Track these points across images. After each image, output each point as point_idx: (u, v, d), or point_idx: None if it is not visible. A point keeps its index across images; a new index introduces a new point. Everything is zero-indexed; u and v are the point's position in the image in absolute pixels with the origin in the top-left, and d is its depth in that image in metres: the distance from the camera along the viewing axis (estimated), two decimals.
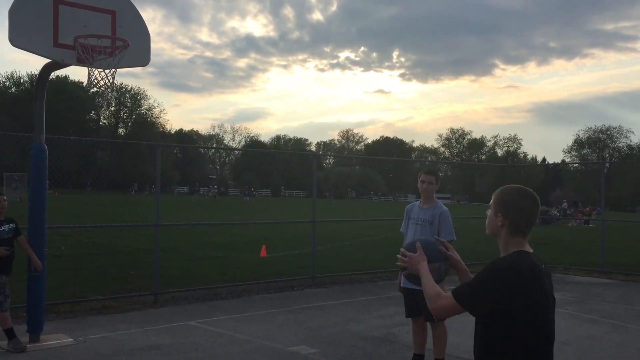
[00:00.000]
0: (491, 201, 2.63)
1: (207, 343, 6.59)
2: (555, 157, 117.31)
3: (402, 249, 2.76)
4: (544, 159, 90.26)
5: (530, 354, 2.39)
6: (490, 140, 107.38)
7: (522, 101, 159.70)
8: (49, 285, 9.05)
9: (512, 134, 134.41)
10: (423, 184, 5.63)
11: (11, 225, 6.39)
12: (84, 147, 65.24)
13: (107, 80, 5.91)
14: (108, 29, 6.21)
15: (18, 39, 5.69)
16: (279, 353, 6.25)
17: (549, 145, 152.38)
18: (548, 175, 74.98)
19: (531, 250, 2.53)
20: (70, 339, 6.66)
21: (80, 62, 5.95)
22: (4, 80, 79.09)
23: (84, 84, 5.94)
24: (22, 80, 79.38)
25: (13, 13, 5.68)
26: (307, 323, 7.69)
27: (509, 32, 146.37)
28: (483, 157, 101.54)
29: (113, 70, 6.01)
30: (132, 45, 6.21)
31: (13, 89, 79.45)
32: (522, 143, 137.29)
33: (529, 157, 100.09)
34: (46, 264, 6.77)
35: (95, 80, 5.86)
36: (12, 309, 7.41)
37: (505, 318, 2.37)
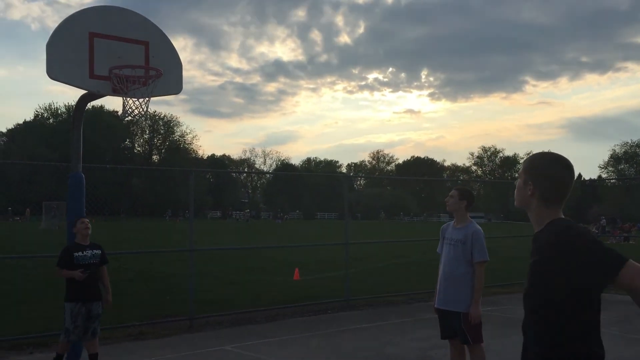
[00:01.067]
0: (520, 170, 2.47)
1: None
2: (591, 173, 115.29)
3: None
4: (579, 176, 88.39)
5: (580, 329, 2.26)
6: (523, 158, 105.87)
7: (554, 117, 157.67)
8: None
9: (546, 151, 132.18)
10: (447, 198, 5.58)
11: (96, 251, 6.35)
12: (119, 174, 66.65)
13: (141, 109, 6.05)
14: (142, 59, 6.38)
15: (56, 72, 5.88)
16: None
17: (584, 162, 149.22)
18: (584, 192, 73.38)
19: (560, 216, 2.36)
20: None
21: (115, 93, 6.11)
22: (42, 111, 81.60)
23: (119, 113, 6.09)
24: (59, 111, 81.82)
25: (51, 47, 5.88)
26: (341, 346, 7.62)
27: (539, 48, 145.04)
28: (516, 175, 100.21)
29: (147, 99, 6.15)
30: (164, 74, 6.35)
31: (51, 120, 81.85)
32: None
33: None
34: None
35: (130, 110, 6.00)
36: (50, 336, 7.55)
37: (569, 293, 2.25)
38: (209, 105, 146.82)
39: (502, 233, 24.71)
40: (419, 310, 10.33)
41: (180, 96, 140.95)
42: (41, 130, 75.26)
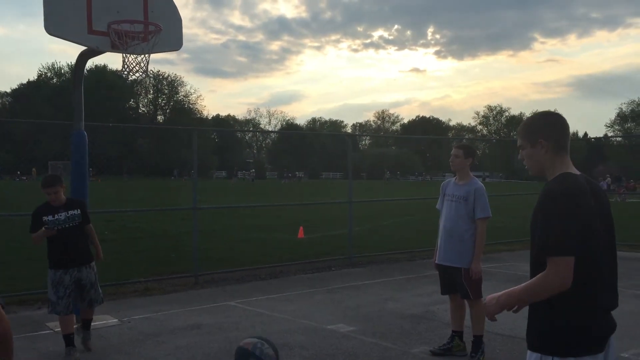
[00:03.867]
0: (520, 140, 2.50)
1: (246, 322, 6.70)
2: (597, 132, 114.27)
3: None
4: (585, 134, 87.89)
5: (579, 279, 2.23)
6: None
7: (562, 75, 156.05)
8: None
9: (552, 109, 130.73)
10: (451, 157, 5.56)
11: (73, 212, 5.61)
12: (126, 135, 66.61)
13: (141, 66, 5.99)
14: (141, 14, 6.28)
15: (53, 27, 5.80)
16: (318, 331, 6.31)
17: (591, 120, 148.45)
18: (590, 150, 73.10)
19: (578, 172, 2.40)
20: (115, 320, 6.85)
21: (114, 49, 6.04)
22: (45, 71, 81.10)
23: (120, 70, 6.03)
24: (62, 71, 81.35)
25: (47, 2, 5.79)
26: (344, 302, 7.73)
27: (548, 4, 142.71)
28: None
29: (147, 55, 6.08)
30: (164, 29, 6.27)
31: (54, 80, 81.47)
32: None
33: (571, 132, 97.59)
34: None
35: (130, 66, 5.94)
36: None
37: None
38: (213, 64, 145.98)
39: (506, 191, 24.70)
40: (422, 267, 10.42)
41: (183, 55, 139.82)
42: (45, 90, 74.98)
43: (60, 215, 5.54)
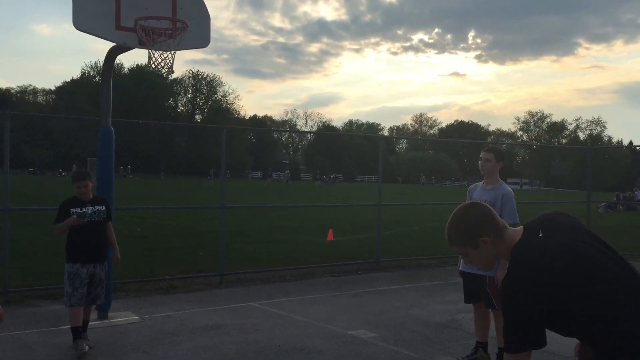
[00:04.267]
0: (459, 249, 2.34)
1: (266, 324, 6.60)
2: None
3: None
4: (630, 143, 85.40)
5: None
6: (571, 124, 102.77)
7: (607, 82, 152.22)
8: (122, 265, 9.40)
9: (596, 117, 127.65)
10: (481, 161, 5.36)
11: (99, 207, 5.74)
12: (163, 134, 67.59)
13: (167, 62, 5.97)
14: (169, 11, 6.26)
15: (82, 23, 5.83)
16: (337, 336, 6.16)
17: (637, 128, 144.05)
18: (635, 159, 70.97)
19: (520, 234, 2.24)
20: (137, 317, 6.84)
21: (141, 45, 6.03)
22: (88, 69, 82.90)
23: (146, 65, 6.01)
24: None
25: None
26: (368, 307, 7.57)
27: (594, 9, 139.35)
28: (564, 141, 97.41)
29: (173, 52, 6.05)
30: (192, 26, 6.23)
31: (97, 78, 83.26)
32: (607, 126, 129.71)
33: (614, 140, 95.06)
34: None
35: (156, 62, 5.92)
36: None
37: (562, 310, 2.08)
38: (252, 65, 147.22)
39: (544, 199, 24.13)
40: (451, 274, 10.16)
41: (223, 56, 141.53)
42: (88, 88, 76.68)
43: (87, 209, 5.67)
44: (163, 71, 5.92)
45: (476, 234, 2.26)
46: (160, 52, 6.00)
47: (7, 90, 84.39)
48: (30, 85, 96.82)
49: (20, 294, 7.72)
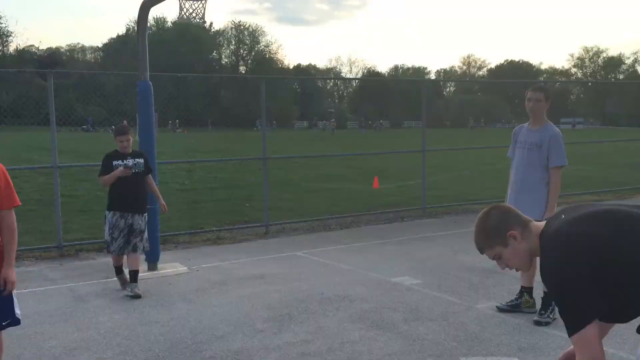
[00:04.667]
0: (489, 251, 2.29)
1: (310, 272, 6.66)
2: None
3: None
4: None
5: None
6: (629, 57, 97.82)
7: None
8: (170, 217, 9.63)
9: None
10: (530, 102, 5.10)
11: (138, 160, 6.02)
12: (209, 87, 67.99)
13: (198, 12, 5.87)
14: None
15: None
16: (381, 283, 6.16)
17: None
18: None
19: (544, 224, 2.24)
20: (185, 268, 7.01)
21: None
22: (132, 25, 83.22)
23: (177, 17, 5.93)
24: (149, 25, 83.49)
25: None
26: (413, 254, 7.53)
27: None
28: (621, 77, 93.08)
29: (204, 1, 5.94)
30: None
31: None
32: None
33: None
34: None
35: (187, 13, 5.83)
36: None
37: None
38: (294, 12, 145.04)
39: (602, 138, 23.24)
40: None
41: (265, 4, 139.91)
42: (133, 43, 77.37)
43: (129, 162, 5.96)
44: (195, 21, 5.82)
45: (503, 231, 2.25)
46: (192, 1, 5.90)
47: (57, 49, 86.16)
48: (79, 43, 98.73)
49: (74, 248, 8.02)
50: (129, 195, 5.90)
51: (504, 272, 6.45)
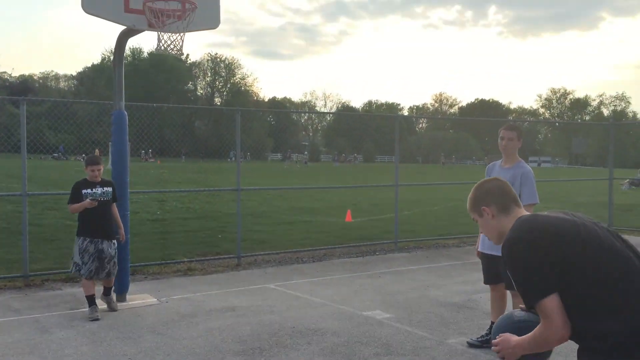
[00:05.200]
0: (469, 209, 2.54)
1: (282, 305, 6.61)
2: None
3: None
4: None
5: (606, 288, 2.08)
6: (595, 100, 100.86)
7: (632, 56, 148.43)
8: (141, 248, 9.52)
9: (620, 92, 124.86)
10: (502, 140, 5.22)
11: (107, 189, 6.29)
12: (184, 117, 67.85)
13: (176, 45, 5.92)
14: None
15: (91, 6, 5.80)
16: (353, 317, 6.15)
17: None
18: None
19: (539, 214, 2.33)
20: (154, 299, 6.90)
21: (151, 27, 5.99)
22: (108, 54, 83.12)
23: (155, 48, 5.99)
24: (125, 55, 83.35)
25: None
26: (385, 288, 7.54)
27: None
28: (587, 118, 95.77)
29: (182, 34, 6.01)
30: (201, 7, 6.17)
31: None
32: (631, 101, 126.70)
33: (639, 116, 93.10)
34: (129, 228, 6.99)
35: (165, 45, 5.88)
36: None
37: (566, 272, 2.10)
38: (270, 47, 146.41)
39: (568, 177, 23.76)
40: (469, 254, 10.08)
41: (241, 38, 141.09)
42: (108, 72, 77.15)
43: (97, 190, 6.24)
44: (172, 53, 5.88)
45: (479, 204, 2.48)
46: (170, 34, 5.96)
47: (30, 76, 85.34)
48: (53, 71, 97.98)
49: (40, 278, 7.84)
50: (97, 222, 6.16)
51: (474, 307, 6.52)
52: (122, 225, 6.49)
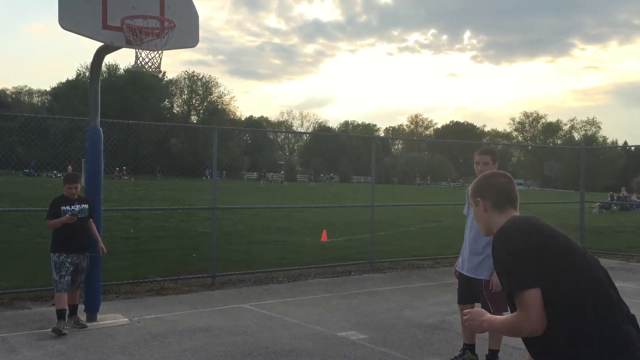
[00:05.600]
0: (470, 199, 2.61)
1: (256, 326, 6.55)
2: (638, 140, 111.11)
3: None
4: (625, 143, 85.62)
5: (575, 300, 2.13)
6: (566, 124, 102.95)
7: (602, 82, 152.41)
8: (113, 266, 9.35)
9: (591, 117, 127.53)
10: (478, 165, 5.27)
11: (84, 205, 6.47)
12: (158, 134, 67.40)
13: (154, 62, 5.91)
14: (157, 10, 6.21)
15: (68, 21, 5.77)
16: (327, 338, 6.11)
17: (632, 129, 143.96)
18: (629, 159, 71.15)
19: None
20: (126, 319, 6.78)
21: (129, 44, 5.97)
22: (84, 70, 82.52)
23: (132, 65, 5.96)
24: (102, 71, 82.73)
25: None
26: (360, 308, 7.52)
27: (589, 10, 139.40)
28: (559, 142, 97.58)
29: (161, 52, 6.00)
30: (180, 26, 6.18)
31: None
32: (602, 126, 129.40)
33: (609, 140, 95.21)
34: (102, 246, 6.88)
35: (143, 62, 5.86)
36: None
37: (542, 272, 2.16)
38: (247, 66, 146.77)
39: (536, 200, 24.11)
40: (444, 275, 10.14)
41: (219, 57, 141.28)
42: (82, 89, 76.45)
43: (75, 207, 6.41)
44: (150, 71, 5.86)
45: (477, 194, 2.55)
46: (148, 51, 5.95)
47: (3, 91, 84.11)
48: (26, 86, 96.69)
49: (9, 296, 7.66)
50: (73, 238, 6.34)
51: (449, 329, 6.54)
52: (100, 239, 6.65)
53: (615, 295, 2.20)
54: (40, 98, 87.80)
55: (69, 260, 6.30)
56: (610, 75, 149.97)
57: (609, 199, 29.19)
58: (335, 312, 7.29)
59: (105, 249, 6.70)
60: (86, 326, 6.38)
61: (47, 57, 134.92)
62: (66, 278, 6.26)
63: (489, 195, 2.50)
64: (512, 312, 2.26)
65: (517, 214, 2.47)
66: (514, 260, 2.18)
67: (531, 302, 2.11)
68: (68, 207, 6.35)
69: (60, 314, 6.21)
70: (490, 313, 4.87)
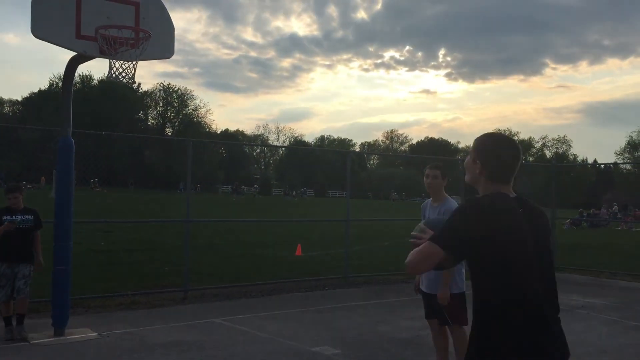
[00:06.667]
0: (471, 147, 2.56)
1: (228, 341, 6.46)
2: (607, 159, 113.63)
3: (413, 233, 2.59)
4: (595, 161, 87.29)
5: (505, 292, 2.25)
6: (538, 142, 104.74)
7: (573, 101, 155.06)
8: (82, 280, 9.16)
9: (562, 135, 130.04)
10: (427, 178, 5.28)
11: (27, 216, 6.57)
12: (132, 146, 66.72)
13: (127, 72, 5.85)
14: (131, 20, 6.15)
15: (40, 30, 5.68)
16: (301, 353, 6.06)
17: (601, 147, 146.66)
18: (599, 177, 72.58)
19: (513, 194, 2.42)
20: (95, 334, 6.64)
21: (102, 54, 5.90)
22: (57, 81, 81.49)
23: (106, 76, 5.89)
24: (75, 81, 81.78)
25: (36, 4, 5.68)
26: (334, 323, 7.48)
27: (560, 30, 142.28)
28: (531, 159, 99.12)
29: (135, 62, 5.94)
30: (155, 36, 6.14)
31: None
32: (572, 145, 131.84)
33: (580, 158, 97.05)
34: (72, 258, 6.76)
35: (117, 72, 5.80)
36: (38, 303, 7.45)
37: (480, 251, 2.27)
38: (223, 79, 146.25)
39: None
40: None
41: (194, 69, 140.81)
42: (55, 99, 75.44)
43: (17, 217, 6.52)
44: (124, 81, 5.79)
45: (479, 156, 2.47)
46: (122, 62, 5.88)
47: None
48: None
49: None
50: (15, 248, 6.41)
51: (422, 343, 6.53)
52: (40, 252, 6.69)
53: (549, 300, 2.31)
54: (11, 108, 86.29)
55: (10, 270, 6.38)
56: (580, 94, 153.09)
57: (579, 215, 29.69)
58: (308, 327, 7.24)
59: (42, 265, 6.69)
60: (27, 340, 6.25)
61: (19, 66, 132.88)
62: (6, 288, 6.37)
63: (490, 164, 2.45)
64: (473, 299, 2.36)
65: (508, 188, 2.45)
66: (453, 223, 2.30)
67: (427, 253, 2.25)
68: (10, 217, 6.45)
69: (7, 320, 6.36)
70: (449, 325, 4.92)
